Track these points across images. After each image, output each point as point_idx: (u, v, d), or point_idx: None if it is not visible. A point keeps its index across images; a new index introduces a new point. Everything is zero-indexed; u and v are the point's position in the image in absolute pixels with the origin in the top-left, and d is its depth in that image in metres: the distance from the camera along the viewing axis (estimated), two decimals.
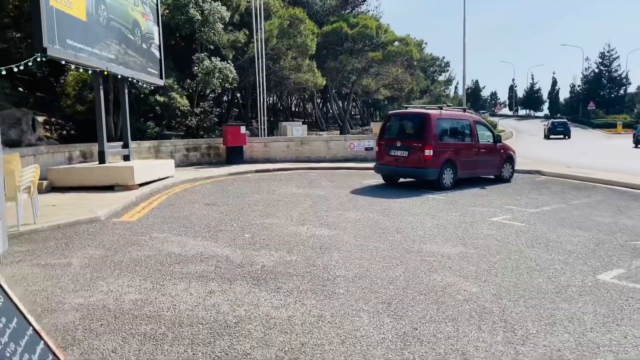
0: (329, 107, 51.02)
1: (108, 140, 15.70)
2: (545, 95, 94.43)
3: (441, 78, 57.06)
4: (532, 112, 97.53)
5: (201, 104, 22.54)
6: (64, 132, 18.15)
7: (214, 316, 4.32)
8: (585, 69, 75.46)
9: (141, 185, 12.08)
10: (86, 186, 11.50)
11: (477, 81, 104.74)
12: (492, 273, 5.61)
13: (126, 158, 13.71)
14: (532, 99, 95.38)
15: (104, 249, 6.56)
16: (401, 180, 13.69)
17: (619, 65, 73.55)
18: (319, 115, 38.38)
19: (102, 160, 12.16)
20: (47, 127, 18.02)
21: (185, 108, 19.86)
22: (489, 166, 13.72)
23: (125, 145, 13.69)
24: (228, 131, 17.40)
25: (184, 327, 4.10)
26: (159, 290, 4.95)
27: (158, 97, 18.60)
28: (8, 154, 9.28)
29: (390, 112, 13.52)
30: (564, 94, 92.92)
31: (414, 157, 12.28)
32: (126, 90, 13.57)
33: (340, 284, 5.21)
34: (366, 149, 19.25)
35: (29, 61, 9.05)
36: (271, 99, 41.29)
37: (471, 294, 4.92)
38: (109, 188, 11.57)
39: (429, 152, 12.04)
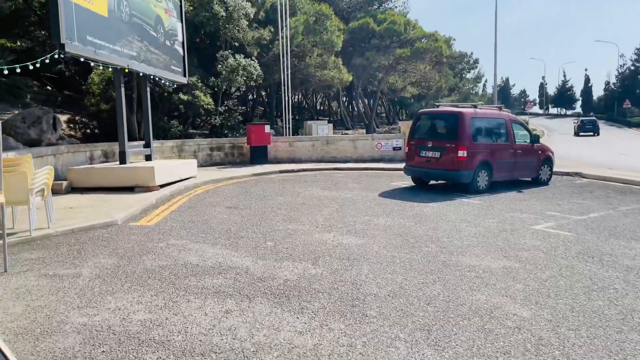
0: (355, 105, 50.38)
1: (131, 140, 15.48)
2: (577, 93, 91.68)
3: (469, 75, 55.73)
4: (563, 111, 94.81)
5: (225, 102, 22.23)
6: (88, 131, 18.03)
7: (230, 343, 3.81)
8: (621, 65, 72.88)
9: (162, 186, 11.73)
10: (106, 187, 11.20)
11: (507, 79, 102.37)
12: (544, 293, 4.96)
13: (148, 158, 13.40)
14: (563, 97, 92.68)
15: (117, 258, 6.14)
16: (432, 182, 13.01)
17: None
18: (345, 114, 37.77)
19: (122, 160, 11.85)
20: (71, 125, 17.92)
21: (210, 106, 19.53)
22: (526, 168, 12.93)
23: (147, 145, 13.37)
24: (252, 130, 16.99)
25: (195, 356, 3.60)
26: (170, 309, 4.48)
27: (182, 96, 18.31)
28: (23, 154, 9.03)
29: (420, 110, 12.88)
30: (597, 92, 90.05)
31: (446, 158, 11.60)
32: (148, 89, 13.25)
33: (371, 304, 4.65)
34: (394, 148, 18.59)
35: (46, 58, 8.74)
36: (296, 97, 40.88)
37: (523, 320, 4.30)
38: (130, 189, 11.25)
39: (462, 153, 11.35)
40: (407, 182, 13.47)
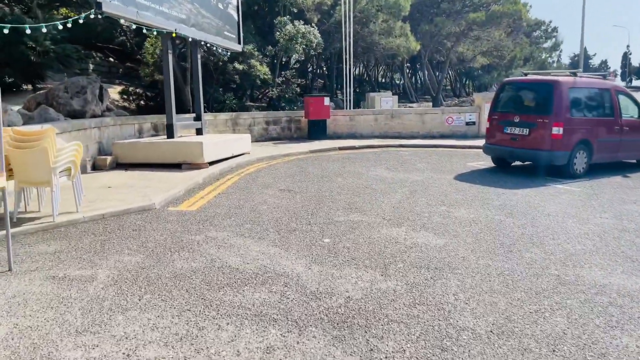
0: (418, 77, 47.80)
1: (184, 112, 14.63)
2: None
3: (546, 44, 51.33)
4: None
5: (283, 73, 21.00)
6: (142, 103, 17.42)
7: None
8: None
9: (212, 163, 10.73)
10: (152, 163, 10.33)
11: (585, 48, 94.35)
12: None
13: (199, 132, 12.46)
14: None
15: (144, 255, 5.09)
16: (516, 163, 11.24)
17: None
18: (408, 86, 35.60)
19: (170, 134, 10.94)
20: (125, 96, 17.35)
21: (266, 77, 18.36)
22: (632, 148, 10.85)
23: (198, 118, 12.41)
24: (310, 103, 15.67)
25: None
26: (193, 341, 3.32)
27: (237, 65, 17.23)
28: (63, 126, 8.22)
29: (506, 79, 11.03)
30: None
31: (536, 135, 9.79)
32: (199, 56, 12.20)
33: (470, 347, 3.27)
34: (467, 123, 16.71)
35: (79, 18, 7.77)
36: (357, 69, 39.03)
37: None
38: (177, 166, 10.33)
39: (558, 130, 9.51)
40: (485, 162, 11.76)
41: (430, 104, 31.32)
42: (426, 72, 30.83)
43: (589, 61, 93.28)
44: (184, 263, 4.85)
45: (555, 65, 54.93)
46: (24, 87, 13.81)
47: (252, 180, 9.61)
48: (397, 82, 48.96)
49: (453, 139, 16.29)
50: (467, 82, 47.71)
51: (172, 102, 10.77)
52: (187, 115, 12.92)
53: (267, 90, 21.62)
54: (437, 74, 36.00)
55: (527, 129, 9.93)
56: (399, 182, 9.33)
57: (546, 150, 9.68)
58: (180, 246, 5.38)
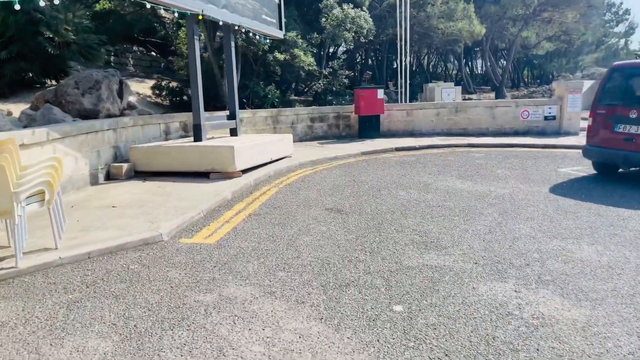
0: (473, 66, 44.64)
1: (222, 109, 13.02)
2: None
3: (617, 29, 46.73)
4: None
5: (330, 64, 19.07)
6: (177, 99, 15.95)
7: None
8: None
9: (246, 171, 8.99)
10: (175, 172, 8.70)
11: None
12: None
13: (233, 132, 10.75)
14: None
15: (119, 337, 3.32)
16: (625, 169, 8.88)
17: None
18: (466, 76, 32.81)
19: (197, 136, 9.26)
20: (157, 92, 15.94)
21: (311, 68, 16.49)
22: None
23: (232, 116, 10.69)
24: (361, 96, 13.66)
25: None
26: None
27: (278, 55, 15.44)
28: (65, 129, 6.63)
29: (615, 63, 8.65)
30: None
31: None
32: (232, 43, 10.45)
33: None
34: (545, 118, 14.23)
35: None
36: (407, 58, 36.56)
37: None
38: (204, 175, 8.65)
39: None
40: (582, 167, 9.44)
41: (492, 94, 28.53)
42: (487, 61, 27.98)
43: None
44: (175, 357, 3.04)
45: (624, 52, 50.10)
46: (47, 82, 12.54)
47: (292, 194, 7.77)
48: (451, 72, 46.05)
49: (529, 136, 13.87)
50: (528, 70, 44.06)
51: (199, 98, 9.08)
52: (220, 114, 11.24)
53: (312, 84, 19.77)
54: (500, 62, 32.97)
55: None
56: (479, 197, 7.24)
57: None
58: (179, 317, 3.59)
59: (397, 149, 12.13)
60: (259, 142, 9.61)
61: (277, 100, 16.66)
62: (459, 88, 18.12)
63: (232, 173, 8.55)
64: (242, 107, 15.08)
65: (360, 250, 5.01)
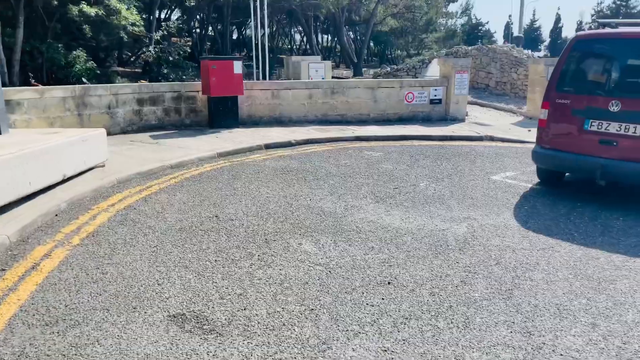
0: (320, 39, 42.76)
1: None
2: (545, 34, 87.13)
3: (452, 8, 48.75)
4: (530, 52, 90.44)
5: (163, 25, 14.67)
6: None
7: None
8: (598, 3, 68.06)
9: (4, 208, 4.81)
10: None
11: (474, 15, 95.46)
12: None
13: None
14: (530, 38, 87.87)
15: None
16: (567, 176, 6.80)
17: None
18: (318, 50, 30.38)
19: None
20: None
21: (137, 29, 12.07)
22: None
23: None
24: (211, 70, 9.85)
25: None
26: None
27: (86, 7, 10.75)
28: None
29: (580, 34, 6.32)
30: (570, 33, 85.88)
31: None
32: None
33: None
34: (432, 101, 12.08)
35: None
36: (266, 23, 32.85)
37: None
38: None
39: None
40: (512, 171, 7.21)
41: (346, 72, 26.51)
42: (344, 36, 25.75)
43: (480, 28, 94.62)
44: None
45: (463, 29, 52.80)
46: None
47: (96, 267, 3.94)
48: (298, 46, 43.65)
49: (415, 123, 11.59)
50: (378, 48, 43.61)
51: None
52: None
53: (140, 51, 15.20)
54: (359, 35, 31.09)
55: (638, 126, 5.36)
56: (436, 247, 4.30)
57: None
58: None
59: (268, 147, 8.73)
60: (37, 149, 5.41)
61: (88, 72, 11.93)
62: (329, 63, 15.26)
63: None
64: (26, 82, 10.26)
65: None
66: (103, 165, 6.72)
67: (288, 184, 6.41)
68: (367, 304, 3.37)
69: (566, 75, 6.04)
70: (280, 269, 3.88)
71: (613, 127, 5.54)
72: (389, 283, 3.67)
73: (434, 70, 15.00)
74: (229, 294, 3.47)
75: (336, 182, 6.50)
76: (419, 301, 3.42)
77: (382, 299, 3.44)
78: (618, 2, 65.47)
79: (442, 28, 40.54)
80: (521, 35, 31.68)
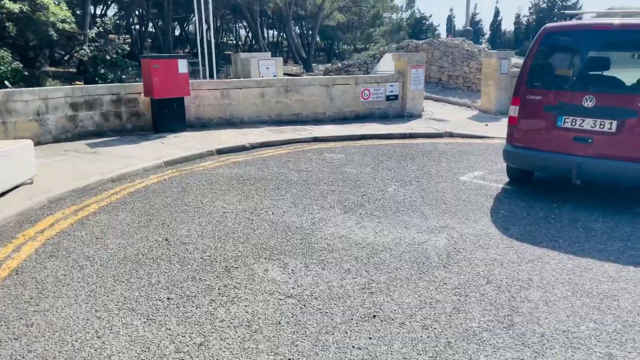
0: (267, 35, 41.91)
1: None
2: (486, 28, 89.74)
3: (397, 2, 49.02)
4: (482, 46, 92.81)
5: (99, 22, 13.58)
6: None
7: None
8: None
9: None
10: None
11: (418, 9, 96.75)
12: None
13: None
14: (472, 31, 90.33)
15: None
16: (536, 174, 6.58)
17: None
18: (264, 46, 29.58)
19: None
20: None
21: (69, 26, 11.01)
22: None
23: None
24: (153, 70, 9.02)
25: None
26: None
27: (8, 4, 9.65)
28: None
29: (548, 26, 6.01)
30: (509, 27, 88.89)
31: (637, 134, 5.08)
32: None
33: None
34: (388, 97, 11.74)
35: None
36: (211, 18, 31.57)
37: None
38: None
39: None
40: (480, 171, 6.92)
41: (302, 69, 25.92)
42: (291, 30, 25.08)
43: (424, 22, 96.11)
44: None
45: (408, 23, 53.09)
46: None
47: (20, 313, 3.24)
48: (243, 43, 42.60)
49: (373, 120, 11.21)
50: (323, 42, 43.22)
51: None
52: None
53: (74, 50, 14.04)
54: (308, 31, 30.46)
55: (614, 122, 5.13)
56: (416, 266, 3.86)
57: None
58: None
59: (220, 152, 8.06)
60: None
61: (14, 74, 10.78)
62: (280, 60, 14.62)
63: None
64: None
65: None
66: (31, 182, 5.87)
67: (246, 195, 5.81)
68: (353, 346, 2.87)
69: (536, 70, 5.75)
70: (246, 306, 3.31)
71: (588, 124, 5.29)
72: (374, 316, 3.19)
73: (385, 65, 14.72)
74: (187, 345, 2.88)
75: (299, 191, 5.96)
76: (412, 338, 2.95)
77: (370, 338, 2.95)
78: None
79: (388, 22, 40.63)
80: (470, 28, 32.18)
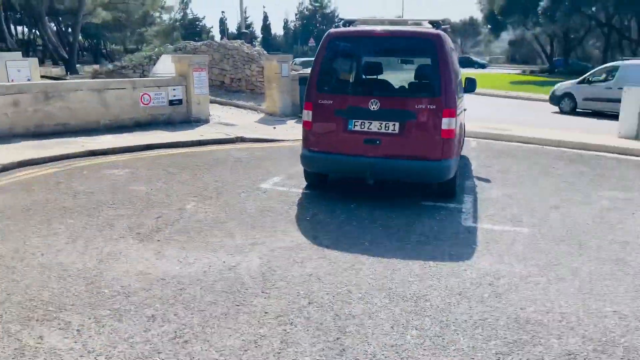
0: (15, 32, 35.85)
1: None
2: (258, 31, 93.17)
3: (169, 2, 47.02)
4: (261, 49, 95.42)
5: None
6: None
7: None
8: (300, 3, 75.98)
9: None
10: None
11: (191, 10, 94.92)
12: None
13: None
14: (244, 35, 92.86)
15: None
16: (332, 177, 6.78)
17: (329, 1, 76.09)
18: (12, 44, 25.08)
19: None
20: None
21: None
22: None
23: None
24: None
25: None
26: None
27: None
28: None
29: (333, 31, 6.00)
30: (278, 31, 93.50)
31: (415, 135, 5.52)
32: None
33: None
34: (171, 102, 10.90)
35: None
36: None
37: None
38: None
39: (449, 124, 5.46)
40: (279, 177, 6.84)
41: (56, 70, 22.65)
42: (46, 26, 21.64)
43: (197, 23, 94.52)
44: None
45: (181, 23, 51.52)
46: None
47: None
48: None
49: (157, 128, 10.30)
50: (87, 41, 38.88)
51: None
52: None
53: None
54: (67, 26, 26.56)
55: (396, 123, 5.50)
56: (232, 297, 3.46)
57: (431, 159, 5.53)
58: None
59: None
60: None
61: None
62: (35, 60, 12.28)
63: None
64: None
65: None
66: None
67: (3, 233, 4.55)
68: None
69: (325, 75, 5.83)
70: None
71: (375, 126, 5.56)
72: None
73: (164, 67, 13.80)
74: None
75: (77, 221, 4.93)
76: None
77: None
78: (315, 4, 74.19)
79: (160, 22, 38.72)
80: (246, 31, 32.60)
